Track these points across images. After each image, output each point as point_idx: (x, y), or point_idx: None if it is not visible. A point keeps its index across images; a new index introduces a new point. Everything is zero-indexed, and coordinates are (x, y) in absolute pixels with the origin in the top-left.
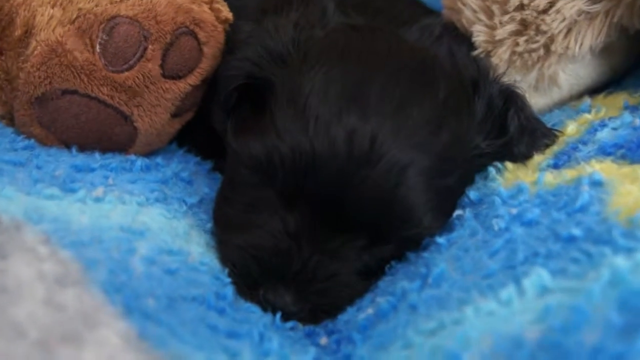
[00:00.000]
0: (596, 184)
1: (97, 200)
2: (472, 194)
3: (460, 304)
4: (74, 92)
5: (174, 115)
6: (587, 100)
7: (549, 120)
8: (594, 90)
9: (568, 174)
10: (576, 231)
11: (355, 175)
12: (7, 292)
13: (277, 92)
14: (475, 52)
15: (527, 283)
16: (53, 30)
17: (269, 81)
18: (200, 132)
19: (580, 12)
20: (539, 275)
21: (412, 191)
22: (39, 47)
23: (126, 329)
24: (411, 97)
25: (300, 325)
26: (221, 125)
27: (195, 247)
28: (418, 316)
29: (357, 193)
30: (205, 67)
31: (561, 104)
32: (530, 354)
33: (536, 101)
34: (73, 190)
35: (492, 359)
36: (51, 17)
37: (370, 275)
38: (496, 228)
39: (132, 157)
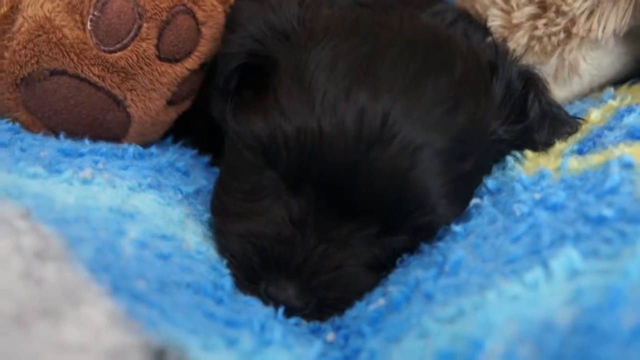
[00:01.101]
0: (626, 165)
1: (85, 182)
2: (490, 182)
3: (481, 289)
4: (63, 72)
5: (170, 102)
6: (610, 90)
7: (569, 110)
8: (615, 84)
9: (594, 159)
10: (607, 212)
11: (365, 157)
12: None
13: (280, 70)
14: (491, 38)
15: (556, 265)
16: (41, 6)
17: (272, 59)
18: (198, 123)
19: None
20: (568, 257)
21: (426, 174)
22: (25, 24)
23: (112, 307)
24: (425, 73)
25: (304, 322)
26: (220, 113)
27: (191, 235)
28: (434, 304)
29: (366, 176)
30: (203, 49)
31: (581, 97)
32: (562, 338)
33: (555, 93)
34: (58, 171)
35: (519, 344)
36: None
37: (380, 268)
38: (518, 213)
39: (124, 145)
